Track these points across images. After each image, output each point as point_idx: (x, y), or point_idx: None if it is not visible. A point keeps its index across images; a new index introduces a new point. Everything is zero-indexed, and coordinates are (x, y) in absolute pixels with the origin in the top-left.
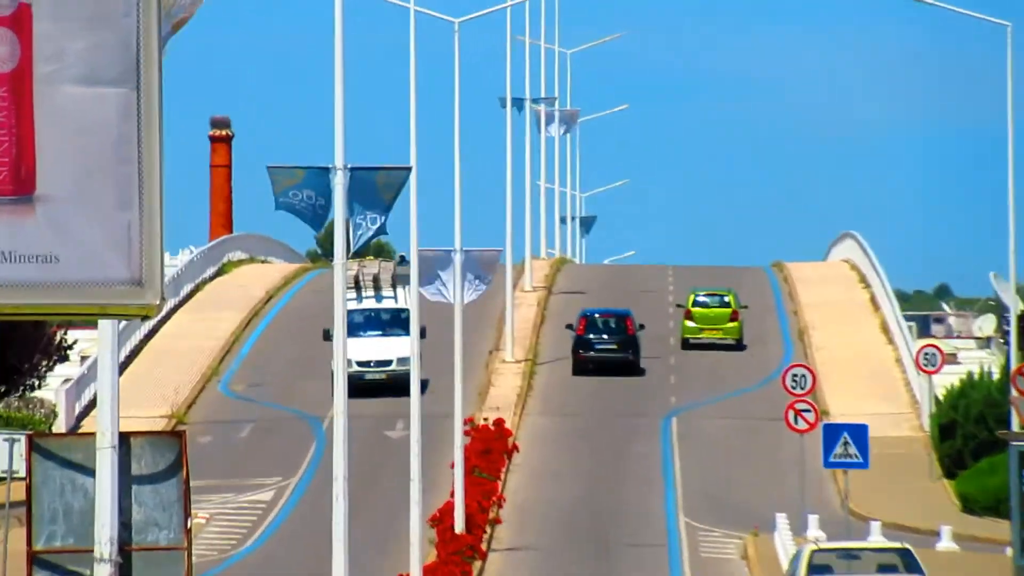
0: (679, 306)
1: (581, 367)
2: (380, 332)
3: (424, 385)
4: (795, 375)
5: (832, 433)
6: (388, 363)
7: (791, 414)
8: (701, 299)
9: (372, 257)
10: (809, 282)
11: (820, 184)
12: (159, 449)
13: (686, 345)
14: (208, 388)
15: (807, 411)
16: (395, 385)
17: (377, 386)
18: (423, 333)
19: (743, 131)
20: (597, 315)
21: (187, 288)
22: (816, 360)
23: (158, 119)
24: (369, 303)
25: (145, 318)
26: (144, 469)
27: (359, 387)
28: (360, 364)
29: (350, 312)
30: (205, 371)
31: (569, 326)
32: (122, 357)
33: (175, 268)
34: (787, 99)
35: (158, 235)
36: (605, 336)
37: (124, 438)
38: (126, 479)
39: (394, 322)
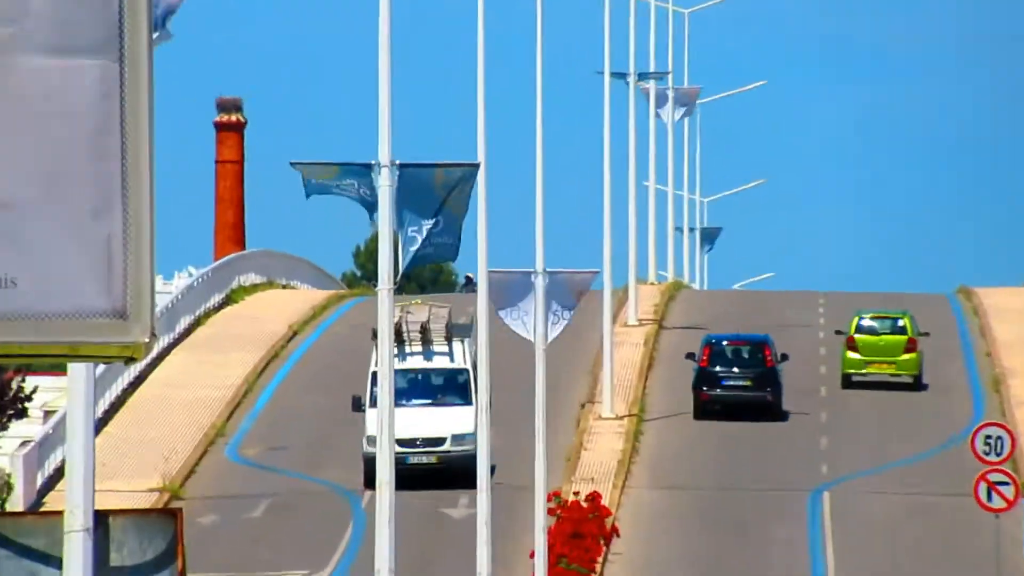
0: (839, 332)
1: (705, 409)
2: (430, 400)
3: (491, 470)
4: (988, 437)
5: None
6: (440, 442)
7: (983, 488)
8: (868, 323)
9: (419, 301)
10: (1008, 313)
11: (1022, 189)
12: (146, 533)
13: (847, 383)
14: (212, 452)
15: (1005, 484)
16: (448, 471)
17: (425, 472)
18: (490, 404)
19: (918, 118)
20: (726, 342)
21: (185, 322)
22: (1017, 418)
23: (148, 100)
24: (415, 361)
25: (130, 360)
26: (127, 559)
27: (401, 474)
28: (402, 444)
29: (375, 373)
30: (208, 430)
31: (690, 355)
32: (99, 412)
33: (170, 296)
34: (977, 77)
35: (147, 252)
36: (736, 369)
37: (101, 518)
38: (103, 572)
39: (448, 387)
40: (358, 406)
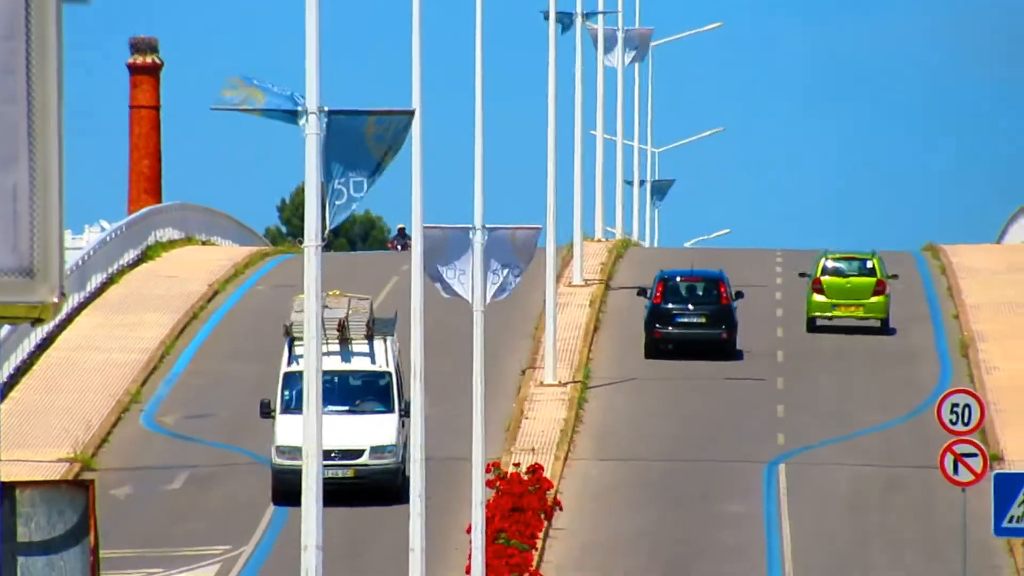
0: (803, 275)
1: (657, 347)
2: (347, 407)
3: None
4: (955, 405)
5: (1007, 486)
6: (358, 454)
7: (949, 459)
8: (835, 265)
9: (337, 291)
10: (977, 273)
11: (992, 141)
12: (56, 506)
13: (812, 327)
14: (126, 420)
15: (972, 455)
16: (366, 486)
17: (340, 488)
18: (407, 410)
19: (884, 63)
20: (680, 279)
21: (97, 280)
22: (986, 385)
23: (56, 39)
24: (331, 362)
25: (37, 321)
26: (35, 534)
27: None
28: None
29: (301, 375)
30: (122, 397)
31: (642, 292)
32: (4, 377)
33: (80, 252)
34: (938, 18)
35: (56, 205)
36: (690, 306)
37: (8, 490)
38: (9, 547)
39: (368, 391)
40: (266, 411)
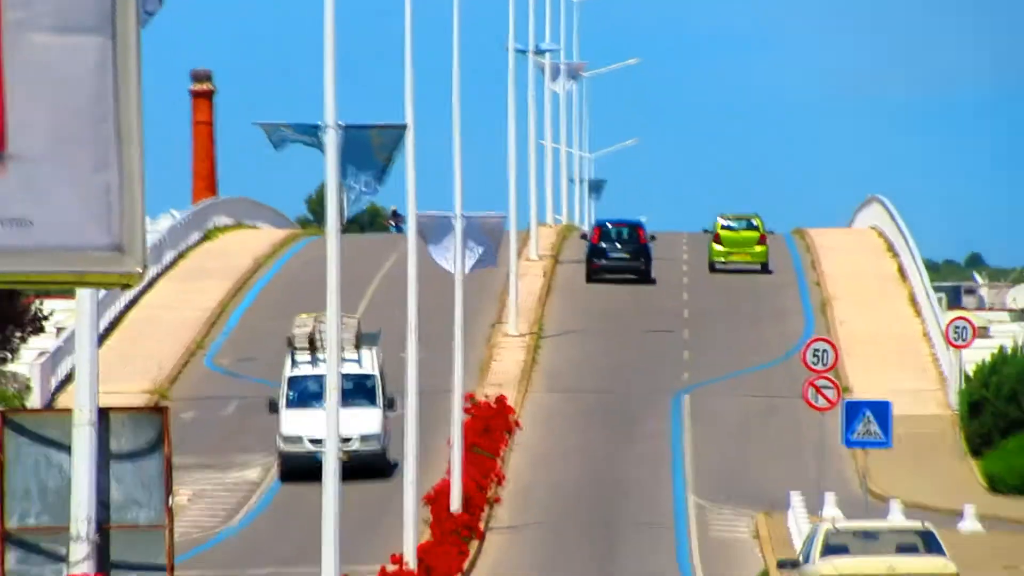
0: (706, 231)
1: (594, 275)
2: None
3: (393, 467)
4: (816, 350)
5: (854, 411)
6: (347, 440)
7: (811, 391)
8: (728, 223)
9: (313, 314)
10: (833, 250)
11: (844, 145)
12: (140, 425)
13: (713, 269)
14: (193, 362)
15: (828, 388)
16: (356, 468)
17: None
18: (391, 405)
19: (763, 89)
20: (610, 225)
21: (170, 255)
22: (839, 334)
23: (136, 71)
24: (325, 367)
25: (126, 287)
26: (124, 446)
27: (313, 470)
28: (313, 442)
29: (303, 379)
30: (189, 344)
31: (584, 236)
32: (101, 329)
33: (157, 234)
34: (812, 57)
35: (139, 198)
36: (618, 245)
37: (103, 414)
38: (105, 456)
39: (357, 391)
40: (274, 408)
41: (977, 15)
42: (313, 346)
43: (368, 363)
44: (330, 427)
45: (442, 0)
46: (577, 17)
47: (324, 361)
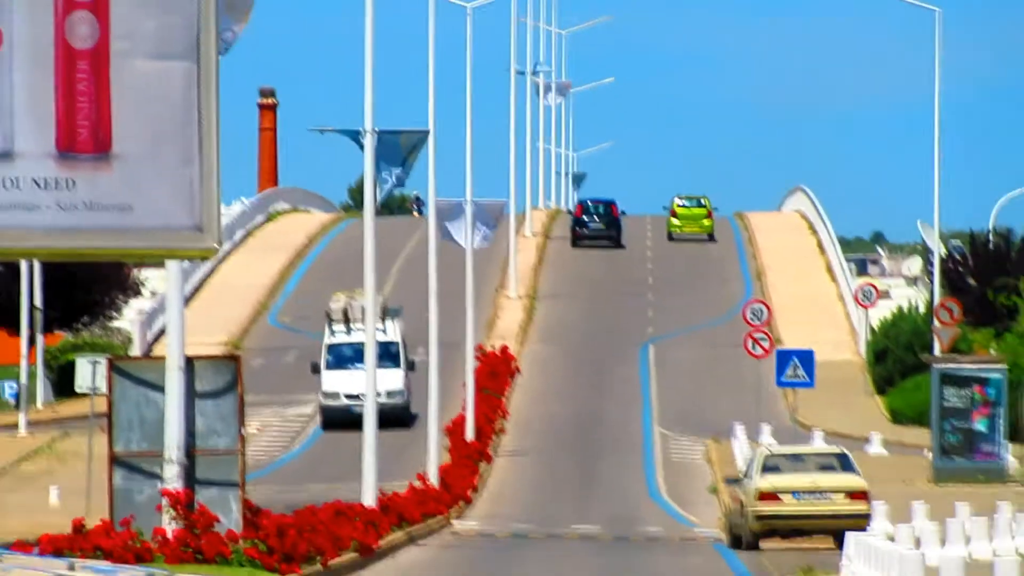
0: (665, 208)
1: (577, 241)
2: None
3: (414, 418)
4: (754, 309)
5: (784, 358)
6: (376, 395)
7: (750, 342)
8: (682, 202)
9: (360, 290)
10: (766, 230)
11: (778, 144)
12: (218, 370)
13: (671, 238)
14: (259, 320)
15: (763, 340)
16: (382, 419)
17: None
18: (411, 366)
19: (713, 101)
20: (590, 202)
21: (240, 234)
22: (771, 297)
23: (215, 89)
24: (359, 336)
25: (205, 259)
26: (206, 387)
27: (349, 420)
28: (349, 397)
29: (338, 346)
30: (256, 305)
31: (569, 211)
32: (187, 292)
33: (229, 217)
34: (748, 74)
35: (215, 188)
36: (596, 218)
37: (189, 361)
38: (191, 395)
39: (383, 355)
40: (315, 369)
41: (883, 38)
42: (347, 319)
43: (391, 332)
44: (369, 375)
45: (459, 30)
46: (564, 44)
47: (356, 331)
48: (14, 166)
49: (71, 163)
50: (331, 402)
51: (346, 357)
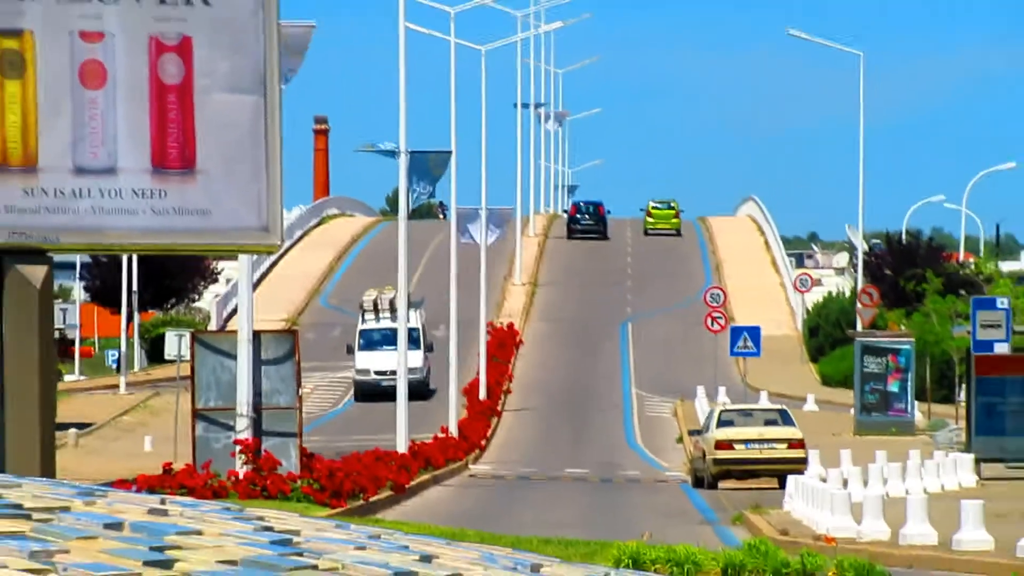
0: (642, 210)
1: (572, 234)
2: (395, 347)
3: (432, 392)
4: (712, 294)
5: (736, 333)
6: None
7: (709, 320)
8: (656, 205)
9: (390, 286)
10: (723, 231)
11: (734, 160)
12: (280, 342)
13: (646, 233)
14: (312, 302)
15: (720, 318)
16: (408, 391)
17: (392, 392)
18: (430, 348)
19: (682, 124)
20: (582, 203)
21: (297, 233)
22: (727, 284)
23: (278, 117)
24: (387, 323)
25: (269, 253)
26: (270, 355)
27: (378, 392)
28: (378, 373)
29: (369, 331)
30: (310, 290)
31: (565, 211)
32: (254, 279)
33: (290, 220)
34: (712, 102)
35: (278, 197)
36: (587, 215)
37: (256, 335)
38: (258, 362)
39: (407, 338)
40: (350, 351)
41: (818, 68)
42: (376, 310)
43: (414, 320)
44: (400, 354)
45: (476, 68)
46: (562, 81)
47: (383, 320)
48: (117, 179)
49: (162, 177)
50: (363, 377)
51: (375, 340)
